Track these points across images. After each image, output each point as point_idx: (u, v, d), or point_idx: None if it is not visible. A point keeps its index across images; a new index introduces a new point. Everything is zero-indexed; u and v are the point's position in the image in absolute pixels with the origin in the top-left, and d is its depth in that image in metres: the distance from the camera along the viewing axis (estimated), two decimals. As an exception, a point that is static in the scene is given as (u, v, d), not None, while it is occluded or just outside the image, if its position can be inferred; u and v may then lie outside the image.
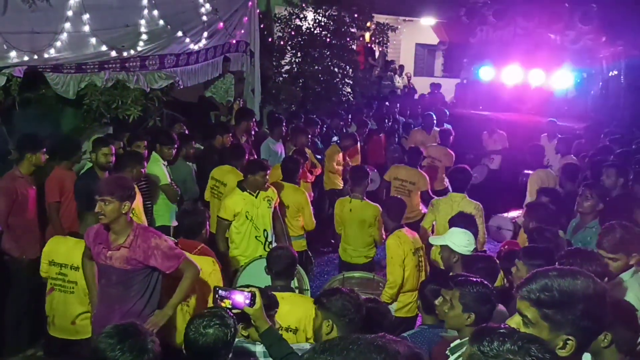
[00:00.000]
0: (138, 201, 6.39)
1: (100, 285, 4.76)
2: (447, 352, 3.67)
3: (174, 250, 4.67)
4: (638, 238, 4.35)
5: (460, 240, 5.16)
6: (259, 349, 3.75)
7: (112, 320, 4.39)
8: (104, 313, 4.68)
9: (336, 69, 13.90)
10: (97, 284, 4.81)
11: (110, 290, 4.66)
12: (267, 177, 6.63)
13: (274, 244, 6.59)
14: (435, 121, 11.99)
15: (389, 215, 6.39)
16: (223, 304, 3.47)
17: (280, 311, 4.39)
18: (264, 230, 6.61)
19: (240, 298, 3.48)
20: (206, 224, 5.63)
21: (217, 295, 3.59)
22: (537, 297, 2.23)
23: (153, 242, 4.57)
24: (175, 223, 7.36)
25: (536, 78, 15.27)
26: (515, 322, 2.31)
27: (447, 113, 13.49)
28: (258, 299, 3.54)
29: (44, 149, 6.28)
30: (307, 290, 5.96)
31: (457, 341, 3.69)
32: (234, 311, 3.49)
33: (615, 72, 15.72)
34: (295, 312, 4.43)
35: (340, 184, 9.83)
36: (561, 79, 15.14)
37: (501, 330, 1.98)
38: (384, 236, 6.95)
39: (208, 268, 5.27)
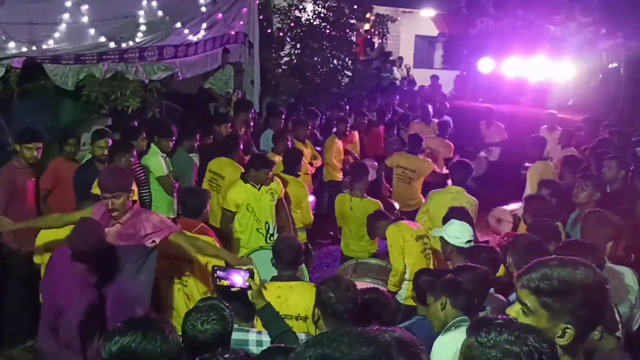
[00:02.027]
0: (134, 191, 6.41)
1: None
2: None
3: (166, 222, 4.80)
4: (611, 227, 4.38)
5: (452, 232, 5.17)
6: (251, 337, 3.76)
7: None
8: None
9: (335, 61, 13.87)
10: None
11: None
12: (271, 174, 6.63)
13: (276, 236, 6.62)
14: (432, 112, 12.00)
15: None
16: (221, 284, 3.48)
17: (289, 300, 4.47)
18: (266, 222, 6.62)
19: (238, 277, 3.48)
20: (207, 205, 5.72)
21: (215, 275, 3.62)
22: (537, 285, 2.25)
23: (144, 215, 4.73)
24: (172, 215, 7.37)
25: (536, 70, 15.26)
26: (515, 310, 2.34)
27: (447, 105, 13.52)
28: (256, 277, 3.54)
29: (35, 143, 6.15)
30: (307, 281, 5.98)
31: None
32: (232, 289, 3.50)
33: (615, 65, 15.71)
34: (304, 300, 4.46)
35: (339, 176, 9.82)
36: (561, 71, 15.13)
37: (498, 321, 2.00)
38: None
39: None
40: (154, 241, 4.67)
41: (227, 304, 3.35)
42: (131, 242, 4.66)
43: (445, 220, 5.61)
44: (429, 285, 4.23)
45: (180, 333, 3.29)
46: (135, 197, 6.36)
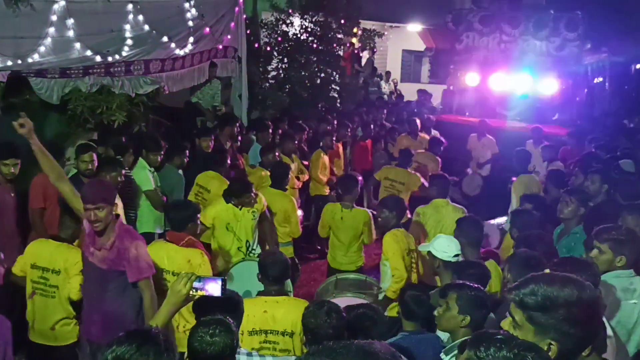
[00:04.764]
0: (119, 208, 6.34)
1: (83, 279, 4.97)
2: (441, 354, 3.73)
3: (143, 263, 4.68)
4: (634, 244, 4.35)
5: (440, 246, 5.17)
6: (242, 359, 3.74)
7: (93, 318, 4.76)
8: (87, 310, 4.92)
9: (323, 75, 13.90)
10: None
11: (89, 287, 4.85)
12: (253, 194, 6.60)
13: (257, 251, 6.60)
14: (419, 127, 12.03)
15: (391, 211, 6.33)
16: (196, 294, 3.43)
17: (275, 315, 4.49)
18: (247, 241, 6.61)
19: (215, 286, 3.44)
20: (193, 218, 5.60)
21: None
22: (521, 300, 2.30)
23: (127, 243, 4.64)
24: (159, 230, 7.33)
25: (521, 84, 15.36)
26: (506, 323, 2.39)
27: (433, 119, 13.56)
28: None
29: (12, 159, 6.08)
30: (290, 292, 5.97)
31: (450, 343, 3.76)
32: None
33: (600, 79, 15.87)
34: (291, 315, 4.47)
35: (326, 191, 9.79)
36: (546, 86, 15.23)
37: (499, 337, 2.01)
38: (374, 236, 7.07)
39: (197, 260, 5.30)
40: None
41: (232, 321, 3.35)
42: (113, 268, 4.65)
43: (458, 231, 5.61)
44: (415, 301, 4.23)
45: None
46: (119, 212, 6.31)
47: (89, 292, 4.86)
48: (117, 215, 4.82)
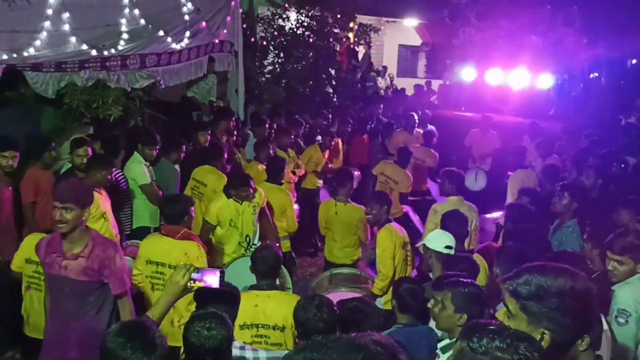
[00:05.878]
0: (108, 204, 6.31)
1: (52, 297, 4.44)
2: (437, 351, 3.74)
3: (127, 274, 4.45)
4: None
5: (432, 237, 5.22)
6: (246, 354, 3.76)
7: (70, 338, 4.30)
8: (59, 330, 4.40)
9: (321, 67, 13.87)
10: (48, 296, 4.55)
11: (64, 305, 4.36)
12: (251, 189, 6.59)
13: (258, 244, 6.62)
14: (417, 122, 12.00)
15: (382, 206, 6.34)
16: (194, 286, 3.44)
17: (266, 309, 4.50)
18: (247, 236, 6.62)
19: (213, 277, 3.45)
20: (188, 212, 5.57)
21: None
22: (515, 289, 2.33)
23: (111, 252, 4.33)
24: (155, 225, 7.32)
25: (518, 79, 15.36)
26: (501, 313, 2.40)
27: (429, 114, 13.54)
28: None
29: (10, 152, 6.09)
30: (289, 288, 5.99)
31: (447, 341, 3.73)
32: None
33: (596, 74, 15.87)
34: (282, 310, 4.49)
35: (313, 184, 9.72)
36: (543, 81, 15.25)
37: (491, 327, 2.02)
38: (369, 236, 7.02)
39: (194, 252, 5.30)
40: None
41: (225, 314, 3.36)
42: (95, 279, 4.28)
43: (442, 226, 5.62)
44: (409, 294, 4.29)
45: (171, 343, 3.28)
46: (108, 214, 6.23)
47: (62, 311, 4.35)
48: (88, 227, 4.45)
